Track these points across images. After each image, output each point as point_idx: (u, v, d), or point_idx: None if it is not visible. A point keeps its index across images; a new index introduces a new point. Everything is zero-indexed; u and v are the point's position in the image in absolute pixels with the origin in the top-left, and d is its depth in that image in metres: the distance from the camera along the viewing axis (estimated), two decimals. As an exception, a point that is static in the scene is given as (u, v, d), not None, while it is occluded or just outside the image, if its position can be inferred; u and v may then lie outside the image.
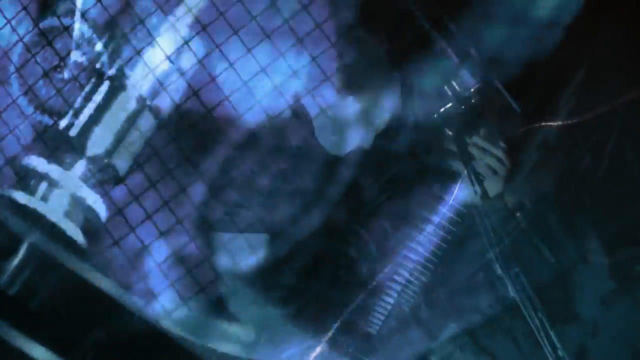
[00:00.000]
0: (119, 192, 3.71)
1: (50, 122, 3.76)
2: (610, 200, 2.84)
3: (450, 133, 2.76)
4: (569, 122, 2.71)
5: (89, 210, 3.59)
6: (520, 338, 2.95)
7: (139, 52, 3.70)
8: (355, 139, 3.17)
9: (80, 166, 3.63)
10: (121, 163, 3.65)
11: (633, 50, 2.88)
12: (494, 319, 3.02)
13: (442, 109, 2.80)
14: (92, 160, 3.63)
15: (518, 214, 2.76)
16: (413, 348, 3.05)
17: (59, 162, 3.62)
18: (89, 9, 3.69)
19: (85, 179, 3.64)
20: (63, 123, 3.69)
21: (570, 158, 2.81)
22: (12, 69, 3.77)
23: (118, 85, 3.66)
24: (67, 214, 3.54)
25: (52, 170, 3.55)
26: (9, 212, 3.37)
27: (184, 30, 3.64)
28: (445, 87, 2.78)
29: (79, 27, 3.71)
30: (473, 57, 2.92)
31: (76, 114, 3.70)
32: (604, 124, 2.72)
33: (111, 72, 3.68)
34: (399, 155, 3.04)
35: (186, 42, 3.66)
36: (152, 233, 3.66)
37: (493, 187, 2.79)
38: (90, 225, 3.62)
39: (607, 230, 2.85)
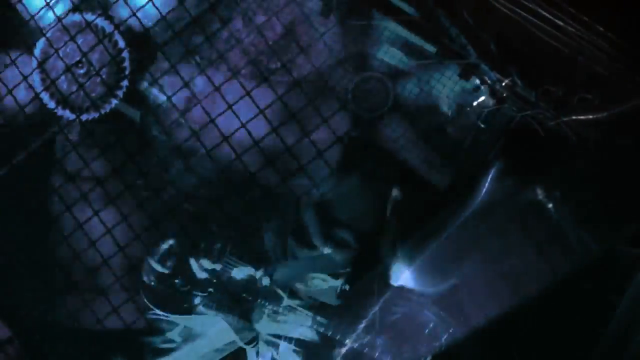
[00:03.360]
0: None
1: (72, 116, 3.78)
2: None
3: (482, 125, 2.81)
4: (599, 115, 2.76)
5: None
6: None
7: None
8: None
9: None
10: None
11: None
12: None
13: (474, 103, 2.84)
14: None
15: (550, 205, 2.80)
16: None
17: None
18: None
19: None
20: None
21: (598, 149, 2.85)
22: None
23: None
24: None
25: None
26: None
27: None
28: (478, 81, 2.82)
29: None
30: (493, 53, 2.98)
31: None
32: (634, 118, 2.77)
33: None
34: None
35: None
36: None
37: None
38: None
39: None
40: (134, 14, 3.71)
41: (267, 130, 3.67)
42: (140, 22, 3.72)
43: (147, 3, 3.70)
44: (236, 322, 3.16)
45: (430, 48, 3.28)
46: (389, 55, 3.41)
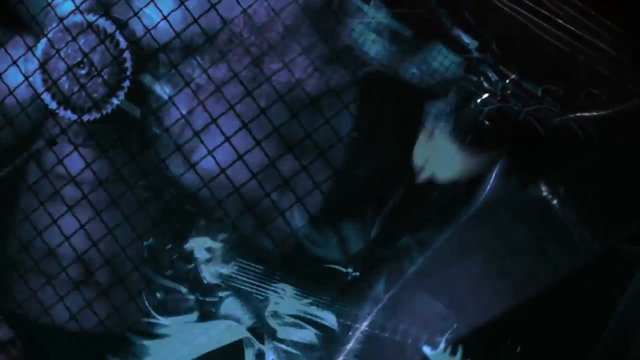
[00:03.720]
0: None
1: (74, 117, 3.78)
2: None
3: (487, 123, 2.83)
4: (604, 112, 2.78)
5: None
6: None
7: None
8: None
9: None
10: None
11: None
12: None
13: (478, 100, 2.86)
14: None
15: (554, 202, 2.82)
16: None
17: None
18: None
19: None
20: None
21: (604, 147, 2.88)
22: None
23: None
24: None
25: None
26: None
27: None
28: (481, 79, 2.84)
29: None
30: (494, 51, 3.00)
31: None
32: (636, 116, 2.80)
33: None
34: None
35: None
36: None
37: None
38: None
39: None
40: (136, 14, 3.72)
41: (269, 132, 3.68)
42: (143, 23, 3.72)
43: (149, 3, 3.71)
44: (250, 320, 3.14)
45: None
46: (375, 46, 3.41)
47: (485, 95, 2.86)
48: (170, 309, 3.20)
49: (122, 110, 3.77)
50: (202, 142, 3.67)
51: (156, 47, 3.74)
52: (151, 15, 3.66)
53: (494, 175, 2.90)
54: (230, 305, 3.13)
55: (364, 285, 3.06)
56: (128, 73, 3.74)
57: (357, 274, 3.07)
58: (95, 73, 3.74)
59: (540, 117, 2.84)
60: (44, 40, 3.78)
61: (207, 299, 3.11)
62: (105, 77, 3.75)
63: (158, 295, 3.15)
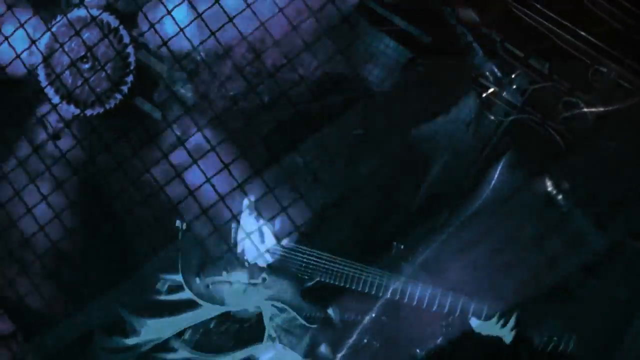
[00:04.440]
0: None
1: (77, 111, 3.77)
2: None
3: (492, 117, 2.84)
4: (609, 108, 2.79)
5: None
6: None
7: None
8: None
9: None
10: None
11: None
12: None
13: (483, 95, 2.87)
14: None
15: (559, 197, 2.83)
16: None
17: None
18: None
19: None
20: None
21: (607, 142, 2.89)
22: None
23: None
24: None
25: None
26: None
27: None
28: (487, 74, 2.85)
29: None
30: (498, 50, 3.01)
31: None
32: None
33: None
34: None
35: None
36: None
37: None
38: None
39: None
40: (140, 10, 3.72)
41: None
42: (147, 18, 3.72)
43: (152, -2, 3.72)
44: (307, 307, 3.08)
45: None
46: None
47: (491, 90, 2.87)
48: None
49: (125, 106, 3.78)
50: (207, 140, 3.67)
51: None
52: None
53: (499, 170, 2.90)
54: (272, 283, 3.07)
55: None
56: (132, 67, 3.74)
57: (402, 245, 3.03)
58: (99, 67, 3.74)
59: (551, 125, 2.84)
60: (47, 34, 3.77)
61: (251, 281, 3.06)
62: (108, 71, 3.75)
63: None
